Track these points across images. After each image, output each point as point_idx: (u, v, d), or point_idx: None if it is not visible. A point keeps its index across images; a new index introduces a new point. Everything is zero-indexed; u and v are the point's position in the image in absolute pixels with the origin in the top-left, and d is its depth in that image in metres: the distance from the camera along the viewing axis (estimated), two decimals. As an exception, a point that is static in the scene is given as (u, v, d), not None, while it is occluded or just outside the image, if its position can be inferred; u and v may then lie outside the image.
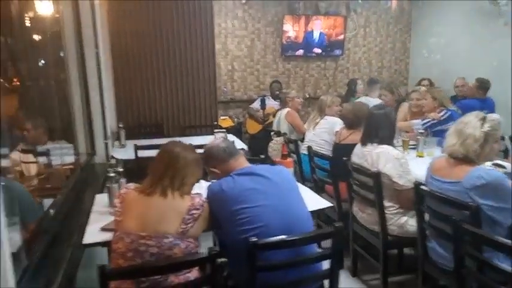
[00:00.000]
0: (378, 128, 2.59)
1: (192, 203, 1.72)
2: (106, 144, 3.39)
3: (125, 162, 3.30)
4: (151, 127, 5.08)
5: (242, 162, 1.92)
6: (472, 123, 2.04)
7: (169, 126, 5.12)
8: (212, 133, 4.57)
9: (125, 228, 1.66)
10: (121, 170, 2.23)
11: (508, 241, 1.63)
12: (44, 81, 2.25)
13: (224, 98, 6.37)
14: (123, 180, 2.23)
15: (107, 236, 1.86)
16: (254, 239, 1.59)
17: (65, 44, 2.72)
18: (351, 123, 3.26)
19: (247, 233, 1.68)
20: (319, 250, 1.87)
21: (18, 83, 1.71)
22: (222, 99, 6.17)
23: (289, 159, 2.88)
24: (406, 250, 2.97)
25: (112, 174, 2.17)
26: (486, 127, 2.01)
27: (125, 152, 3.76)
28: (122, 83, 4.87)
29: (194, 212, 1.70)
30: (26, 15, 1.86)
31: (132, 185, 1.80)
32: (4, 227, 1.01)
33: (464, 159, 2.00)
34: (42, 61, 2.25)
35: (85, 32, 3.03)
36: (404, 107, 4.31)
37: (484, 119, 2.04)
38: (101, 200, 2.32)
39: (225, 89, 6.41)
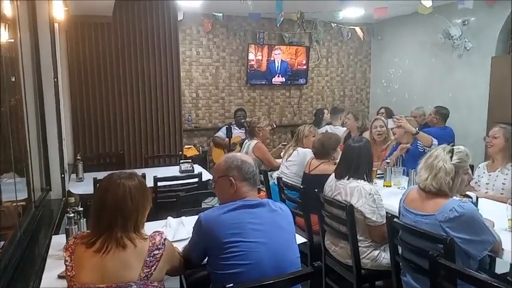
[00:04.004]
0: (358, 162, 2.53)
1: (153, 242, 1.57)
2: (63, 178, 3.17)
3: (82, 197, 3.12)
4: (111, 158, 4.86)
5: (252, 196, 1.81)
6: (440, 156, 2.05)
7: (130, 156, 4.92)
8: (177, 163, 4.43)
9: (80, 282, 1.48)
10: (81, 209, 2.06)
11: (483, 276, 1.63)
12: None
13: (188, 126, 6.27)
14: (83, 220, 2.07)
15: (65, 285, 1.70)
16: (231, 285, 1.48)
17: (22, 72, 2.55)
18: (319, 153, 3.19)
19: (236, 267, 1.60)
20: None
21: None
22: (186, 127, 6.06)
23: (262, 193, 2.78)
24: (378, 283, 2.92)
25: (71, 215, 2.00)
26: (455, 159, 2.03)
27: (83, 186, 3.57)
28: (79, 111, 4.65)
29: (156, 252, 1.55)
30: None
31: (79, 234, 1.61)
32: None
33: (438, 192, 2.01)
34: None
35: (44, 61, 2.87)
36: (366, 136, 4.37)
37: (451, 151, 2.07)
38: (58, 241, 2.13)
39: (189, 117, 6.32)
